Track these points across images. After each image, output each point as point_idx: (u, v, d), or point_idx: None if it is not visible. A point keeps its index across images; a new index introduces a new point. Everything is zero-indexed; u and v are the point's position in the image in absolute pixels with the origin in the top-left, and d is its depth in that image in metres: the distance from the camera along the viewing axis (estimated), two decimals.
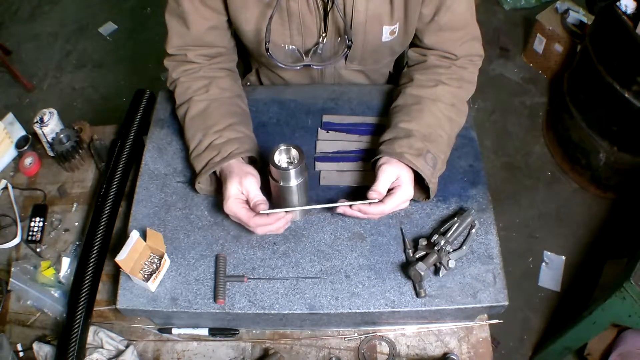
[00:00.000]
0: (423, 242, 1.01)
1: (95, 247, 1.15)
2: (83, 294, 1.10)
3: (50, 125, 1.32)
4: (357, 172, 1.12)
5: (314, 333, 1.11)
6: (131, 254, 0.98)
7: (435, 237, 0.99)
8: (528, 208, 2.36)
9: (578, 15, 2.55)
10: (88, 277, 1.12)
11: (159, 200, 1.10)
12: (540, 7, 2.82)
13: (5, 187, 1.33)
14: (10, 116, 1.41)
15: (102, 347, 1.09)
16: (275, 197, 0.99)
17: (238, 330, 1.11)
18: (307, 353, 1.09)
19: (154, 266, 1.01)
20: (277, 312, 0.97)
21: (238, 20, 1.07)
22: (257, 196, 0.95)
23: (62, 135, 1.31)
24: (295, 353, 1.09)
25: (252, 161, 1.07)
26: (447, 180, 1.10)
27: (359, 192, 1.08)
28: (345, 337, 1.10)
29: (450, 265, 0.98)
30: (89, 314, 1.11)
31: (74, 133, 1.32)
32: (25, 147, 1.37)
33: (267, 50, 1.03)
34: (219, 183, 1.08)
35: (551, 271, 2.19)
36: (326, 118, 1.21)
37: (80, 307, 1.09)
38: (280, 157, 0.94)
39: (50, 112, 1.33)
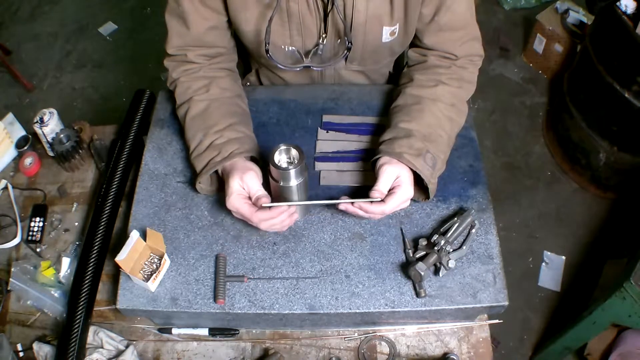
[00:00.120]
0: (423, 242, 1.01)
1: (95, 247, 1.15)
2: (83, 294, 1.10)
3: (50, 125, 1.32)
4: (357, 172, 1.12)
5: (314, 333, 1.11)
6: (131, 254, 0.98)
7: (435, 237, 0.99)
8: (528, 208, 2.36)
9: (578, 15, 2.55)
10: (88, 277, 1.12)
11: (159, 200, 1.10)
12: (540, 7, 2.82)
13: (5, 187, 1.33)
14: (10, 116, 1.41)
15: (102, 347, 1.09)
16: (275, 197, 0.99)
17: (238, 330, 1.11)
18: (307, 353, 1.09)
19: (154, 266, 1.01)
20: (277, 312, 0.97)
21: (238, 20, 1.07)
22: (259, 191, 0.95)
23: (62, 135, 1.31)
24: (295, 353, 1.09)
25: (252, 161, 1.07)
26: (447, 180, 1.10)
27: (359, 192, 1.08)
28: (345, 337, 1.10)
29: (450, 265, 0.98)
30: (89, 314, 1.11)
31: (74, 133, 1.32)
32: (25, 147, 1.37)
33: (267, 51, 1.03)
34: (219, 183, 1.08)
35: (551, 271, 2.19)
36: (326, 118, 1.21)
37: (80, 307, 1.09)
38: (280, 157, 0.94)
39: (50, 112, 1.33)
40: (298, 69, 1.11)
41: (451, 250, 0.99)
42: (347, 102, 1.23)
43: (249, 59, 1.34)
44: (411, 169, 0.98)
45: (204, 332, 1.11)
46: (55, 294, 1.18)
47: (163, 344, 1.12)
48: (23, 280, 1.16)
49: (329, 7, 1.03)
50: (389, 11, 1.05)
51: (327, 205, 1.07)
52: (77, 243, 1.24)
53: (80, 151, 1.33)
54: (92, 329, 1.11)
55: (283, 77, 1.28)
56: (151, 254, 1.03)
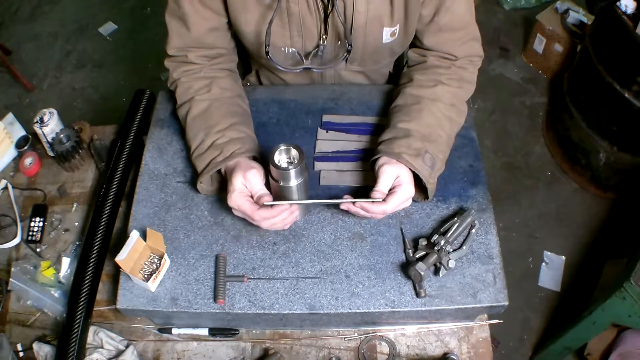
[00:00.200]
0: (423, 242, 1.01)
1: (95, 247, 1.15)
2: (83, 294, 1.10)
3: (50, 125, 1.32)
4: (357, 172, 1.12)
5: (314, 333, 1.11)
6: (131, 254, 0.98)
7: (435, 237, 0.99)
8: (528, 208, 2.36)
9: (578, 15, 2.55)
10: (88, 277, 1.12)
11: (159, 200, 1.10)
12: (540, 7, 2.82)
13: (5, 187, 1.33)
14: (10, 116, 1.41)
15: (102, 347, 1.09)
16: (275, 197, 0.99)
17: (238, 330, 1.11)
18: (307, 353, 1.09)
19: (154, 266, 1.01)
20: (277, 312, 0.97)
21: (238, 21, 1.07)
22: (261, 190, 0.95)
23: (62, 135, 1.31)
24: (295, 353, 1.09)
25: (253, 160, 1.07)
26: (447, 180, 1.10)
27: (359, 192, 1.08)
28: (345, 337, 1.10)
29: (450, 265, 0.98)
30: (89, 314, 1.11)
31: (74, 133, 1.32)
32: (25, 147, 1.37)
33: (267, 53, 1.03)
34: (220, 183, 1.08)
35: (551, 271, 2.19)
36: (326, 118, 1.21)
37: (80, 307, 1.09)
38: (280, 157, 0.94)
39: (50, 112, 1.33)
40: (298, 70, 1.11)
41: (451, 250, 0.99)
42: (347, 102, 1.23)
43: (249, 60, 1.34)
44: (410, 169, 0.98)
45: (204, 332, 1.11)
46: (55, 294, 1.18)
47: (163, 344, 1.12)
48: (23, 280, 1.16)
49: (329, 8, 1.03)
50: (389, 12, 1.05)
51: (328, 205, 1.07)
52: (77, 243, 1.24)
53: (80, 151, 1.33)
54: (92, 329, 1.11)
55: (283, 78, 1.28)
56: (151, 254, 1.03)
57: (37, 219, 1.27)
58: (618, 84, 1.95)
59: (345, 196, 0.98)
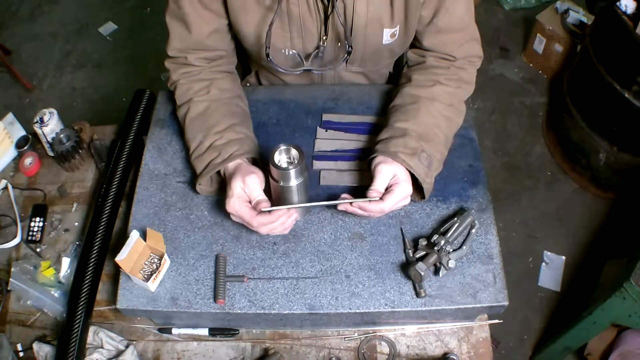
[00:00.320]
0: (423, 242, 1.01)
1: (95, 247, 1.15)
2: (83, 294, 1.10)
3: (50, 125, 1.32)
4: (357, 172, 1.12)
5: (314, 333, 1.11)
6: (131, 254, 0.98)
7: (435, 237, 0.99)
8: (528, 208, 2.36)
9: (578, 15, 2.55)
10: (88, 277, 1.12)
11: (159, 200, 1.10)
12: (540, 7, 2.82)
13: (5, 187, 1.33)
14: (10, 116, 1.41)
15: (102, 347, 1.09)
16: (275, 197, 0.99)
17: (238, 330, 1.11)
18: (307, 353, 1.09)
19: (154, 266, 1.01)
20: (277, 312, 0.97)
21: (238, 23, 1.07)
22: (260, 196, 0.95)
23: (62, 135, 1.31)
24: (295, 353, 1.09)
25: (253, 162, 1.07)
26: (447, 180, 1.10)
27: (358, 192, 1.08)
28: (345, 337, 1.10)
29: (450, 265, 0.98)
30: (89, 314, 1.11)
31: (74, 133, 1.32)
32: (25, 147, 1.37)
33: (267, 55, 1.03)
34: (219, 184, 1.08)
35: (551, 271, 2.19)
36: (326, 117, 1.21)
37: (80, 307, 1.09)
38: (280, 157, 0.94)
39: (50, 112, 1.33)
40: (298, 72, 1.11)
41: (451, 250, 0.99)
42: (347, 102, 1.23)
43: (248, 61, 1.34)
44: (406, 168, 0.98)
45: (204, 332, 1.11)
46: (55, 294, 1.18)
47: (163, 344, 1.12)
48: (23, 280, 1.16)
49: (330, 9, 1.03)
50: (390, 13, 1.05)
51: (327, 206, 1.07)
52: (77, 243, 1.24)
53: (80, 151, 1.33)
54: (92, 329, 1.11)
55: (283, 79, 1.28)
56: (151, 254, 1.03)
57: (37, 219, 1.27)
58: (618, 84, 1.95)
59: (343, 196, 0.97)
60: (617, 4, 1.86)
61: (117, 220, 1.22)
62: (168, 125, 1.21)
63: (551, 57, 2.67)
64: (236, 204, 0.94)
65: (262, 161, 1.07)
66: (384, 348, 1.09)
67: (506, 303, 0.97)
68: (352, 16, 1.03)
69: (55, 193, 1.32)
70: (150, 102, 1.33)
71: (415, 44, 1.14)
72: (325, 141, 1.17)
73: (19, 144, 1.38)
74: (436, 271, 0.99)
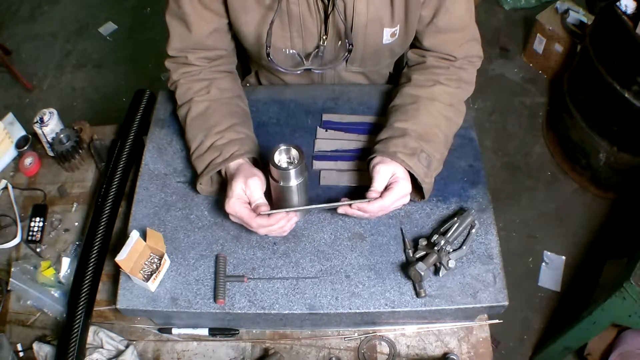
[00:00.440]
0: (423, 242, 1.01)
1: (95, 247, 1.15)
2: (83, 294, 1.10)
3: (50, 125, 1.32)
4: (357, 172, 1.12)
5: (314, 333, 1.11)
6: (131, 254, 0.98)
7: (435, 237, 0.99)
8: (528, 208, 2.36)
9: (578, 15, 2.55)
10: (88, 277, 1.12)
11: (159, 200, 1.10)
12: (540, 7, 2.82)
13: (5, 187, 1.33)
14: (10, 116, 1.41)
15: (102, 347, 1.09)
16: (275, 197, 0.99)
17: (238, 330, 1.11)
18: (307, 353, 1.09)
19: (154, 266, 1.01)
20: (277, 312, 0.97)
21: (238, 22, 1.07)
22: (260, 199, 0.95)
23: (62, 135, 1.31)
24: (295, 353, 1.09)
25: (253, 162, 1.07)
26: (447, 180, 1.10)
27: (359, 192, 1.08)
28: (345, 337, 1.10)
29: (450, 265, 0.98)
30: (89, 314, 1.11)
31: (74, 133, 1.32)
32: (25, 147, 1.37)
33: (267, 54, 1.03)
34: (220, 184, 1.08)
35: (551, 271, 2.19)
36: (326, 117, 1.21)
37: (80, 307, 1.09)
38: (280, 157, 0.94)
39: (50, 112, 1.33)
40: (299, 72, 1.11)
41: (451, 250, 0.99)
42: (347, 102, 1.23)
43: (248, 61, 1.34)
44: (405, 168, 0.98)
45: (204, 332, 1.11)
46: (55, 294, 1.18)
47: (163, 344, 1.12)
48: (23, 280, 1.16)
49: (330, 8, 1.03)
50: (390, 13, 1.05)
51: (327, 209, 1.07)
52: (77, 243, 1.24)
53: (80, 151, 1.33)
54: (92, 329, 1.11)
55: (283, 78, 1.28)
56: (151, 254, 1.03)
57: (37, 219, 1.27)
58: (618, 84, 1.95)
59: (342, 199, 0.98)
60: (617, 4, 1.86)
61: (117, 220, 1.22)
62: (168, 125, 1.21)
63: (551, 57, 2.67)
64: (236, 205, 0.94)
65: (262, 161, 1.07)
66: (384, 348, 1.09)
67: (506, 303, 0.97)
68: (352, 15, 1.03)
69: (55, 193, 1.32)
70: (150, 102, 1.33)
71: (416, 43, 1.14)
72: (325, 141, 1.17)
73: (19, 144, 1.38)
74: (436, 271, 0.99)
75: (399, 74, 1.23)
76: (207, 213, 1.08)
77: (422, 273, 0.95)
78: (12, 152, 1.39)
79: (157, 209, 1.09)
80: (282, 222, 0.95)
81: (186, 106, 1.11)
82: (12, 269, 1.17)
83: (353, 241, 1.04)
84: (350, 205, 0.95)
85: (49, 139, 1.31)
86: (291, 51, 1.11)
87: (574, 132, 2.30)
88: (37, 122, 1.32)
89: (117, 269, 1.01)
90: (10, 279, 1.15)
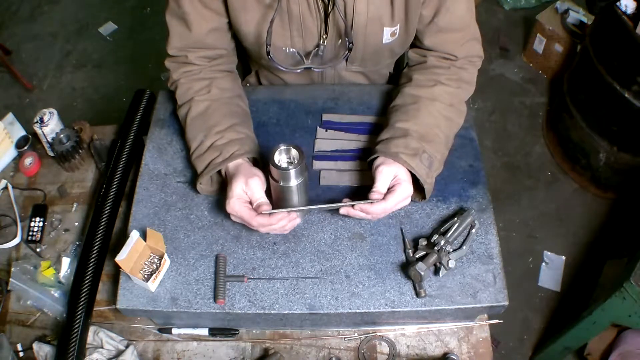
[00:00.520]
0: (423, 242, 1.01)
1: (95, 247, 1.15)
2: (83, 294, 1.10)
3: (50, 125, 1.32)
4: (357, 172, 1.12)
5: (314, 333, 1.11)
6: (131, 254, 0.98)
7: (435, 237, 0.99)
8: (528, 208, 2.36)
9: (578, 15, 2.55)
10: (88, 277, 1.12)
11: (159, 200, 1.10)
12: (540, 7, 2.82)
13: (5, 187, 1.33)
14: (10, 116, 1.41)
15: (102, 347, 1.09)
16: (275, 197, 0.99)
17: (238, 330, 1.11)
18: (307, 353, 1.09)
19: (154, 266, 1.01)
20: (277, 312, 0.97)
21: (238, 22, 1.07)
22: (261, 198, 0.95)
23: (62, 135, 1.31)
24: (295, 353, 1.09)
25: (253, 162, 1.07)
26: (447, 180, 1.10)
27: (359, 192, 1.08)
28: (345, 337, 1.10)
29: (450, 265, 0.98)
30: (89, 314, 1.11)
31: (74, 133, 1.32)
32: (25, 147, 1.37)
33: (267, 53, 1.03)
34: (220, 183, 1.08)
35: (551, 271, 2.19)
36: (326, 117, 1.21)
37: (80, 307, 1.09)
38: (280, 157, 0.94)
39: (50, 112, 1.33)
40: (299, 70, 1.11)
41: (451, 250, 0.99)
42: (347, 102, 1.23)
43: (248, 61, 1.34)
44: (407, 169, 0.98)
45: (204, 332, 1.11)
46: (55, 294, 1.18)
47: (163, 344, 1.12)
48: (23, 280, 1.16)
49: (330, 7, 1.03)
50: (390, 12, 1.05)
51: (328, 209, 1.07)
52: (77, 243, 1.24)
53: (80, 151, 1.33)
54: (92, 329, 1.11)
55: (283, 78, 1.28)
56: (151, 254, 1.02)
57: (37, 219, 1.27)
58: (618, 84, 1.95)
59: (344, 200, 0.98)
60: (617, 4, 1.86)
61: (117, 220, 1.22)
62: (168, 125, 1.21)
63: (551, 57, 2.67)
64: (236, 205, 0.94)
65: (262, 161, 1.07)
66: (384, 348, 1.09)
67: (506, 303, 0.97)
68: (352, 14, 1.03)
69: (55, 193, 1.32)
70: (150, 102, 1.33)
71: (416, 43, 1.14)
72: (325, 141, 1.17)
73: (19, 144, 1.38)
74: (436, 271, 0.99)
75: (399, 74, 1.23)
76: (207, 213, 1.08)
77: (422, 273, 0.95)
78: (12, 152, 1.39)
79: (157, 209, 1.09)
80: (284, 222, 0.95)
81: (186, 106, 1.11)
82: (12, 269, 1.17)
83: (353, 241, 1.04)
84: (352, 206, 0.95)
85: (49, 139, 1.31)
86: (291, 50, 1.11)
87: (574, 132, 2.30)
88: (37, 122, 1.32)
89: (117, 269, 1.01)
90: (10, 279, 1.15)
